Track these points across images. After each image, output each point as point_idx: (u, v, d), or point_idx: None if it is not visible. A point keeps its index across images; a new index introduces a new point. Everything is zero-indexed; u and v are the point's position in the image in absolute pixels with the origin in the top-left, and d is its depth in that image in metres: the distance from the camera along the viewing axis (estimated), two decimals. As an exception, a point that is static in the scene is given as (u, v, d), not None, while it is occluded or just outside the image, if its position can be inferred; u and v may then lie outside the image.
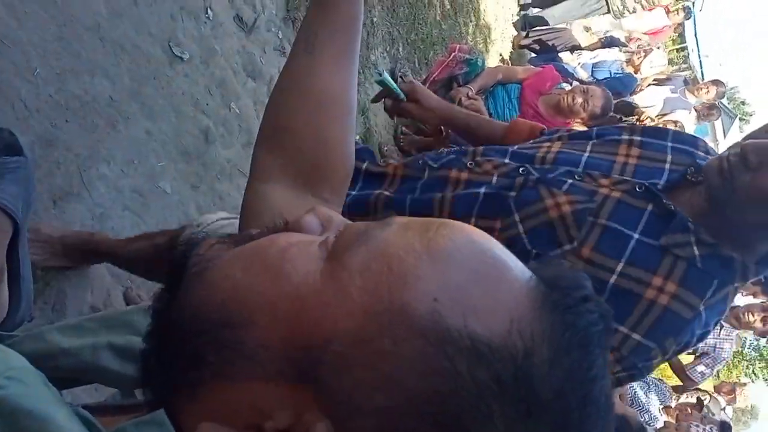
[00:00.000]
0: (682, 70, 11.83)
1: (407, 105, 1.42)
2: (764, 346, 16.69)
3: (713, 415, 4.25)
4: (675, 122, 5.06)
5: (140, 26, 1.94)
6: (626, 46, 6.17)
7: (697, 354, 3.56)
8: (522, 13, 7.19)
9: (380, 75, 1.36)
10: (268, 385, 0.36)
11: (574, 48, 5.66)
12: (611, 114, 3.23)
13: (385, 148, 3.43)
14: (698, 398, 4.01)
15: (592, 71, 5.01)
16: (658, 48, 6.95)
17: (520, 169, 1.17)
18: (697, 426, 3.39)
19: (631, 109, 5.02)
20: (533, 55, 5.85)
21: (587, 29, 6.53)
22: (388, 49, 3.81)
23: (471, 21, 5.54)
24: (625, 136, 1.21)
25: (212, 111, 2.21)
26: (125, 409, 0.46)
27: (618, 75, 5.06)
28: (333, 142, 0.70)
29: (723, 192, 1.01)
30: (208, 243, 0.44)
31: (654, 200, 1.07)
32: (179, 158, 2.03)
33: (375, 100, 1.49)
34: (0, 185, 1.00)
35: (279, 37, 2.75)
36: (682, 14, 6.85)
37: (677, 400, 4.24)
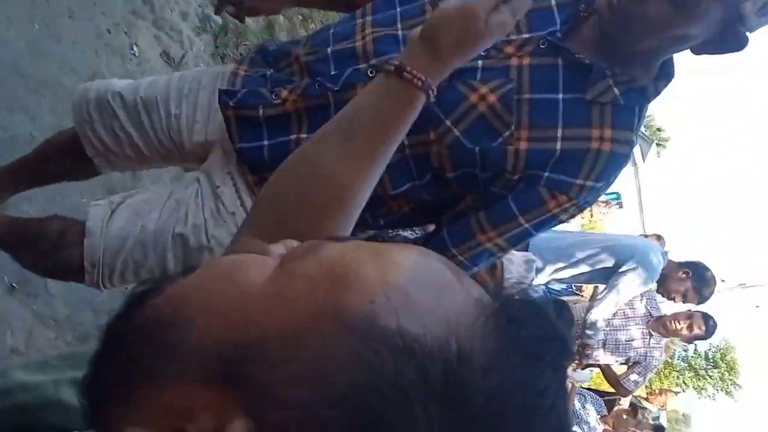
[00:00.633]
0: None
1: (251, 2, 1.41)
2: (692, 356, 17.39)
3: (647, 419, 4.40)
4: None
5: (63, 63, 1.90)
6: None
7: (630, 364, 3.68)
8: None
9: None
10: (197, 387, 0.36)
11: None
12: None
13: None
14: (632, 403, 4.14)
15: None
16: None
17: None
18: (634, 428, 3.49)
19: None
20: None
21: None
22: None
23: None
24: None
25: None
26: None
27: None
28: (328, 231, 0.68)
29: (616, 27, 1.09)
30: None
31: (561, 54, 1.13)
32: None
33: (218, 10, 1.48)
34: None
35: (205, 70, 2.73)
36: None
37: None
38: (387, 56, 1.17)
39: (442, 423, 0.32)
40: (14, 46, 1.73)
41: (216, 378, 0.36)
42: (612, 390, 3.99)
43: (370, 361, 0.33)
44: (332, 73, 1.20)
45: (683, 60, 1.18)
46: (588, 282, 3.39)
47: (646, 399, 4.95)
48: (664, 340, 3.71)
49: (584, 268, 3.13)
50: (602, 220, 5.37)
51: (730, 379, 17.87)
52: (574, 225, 5.43)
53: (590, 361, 3.68)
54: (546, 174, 1.14)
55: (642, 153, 16.62)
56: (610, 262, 3.10)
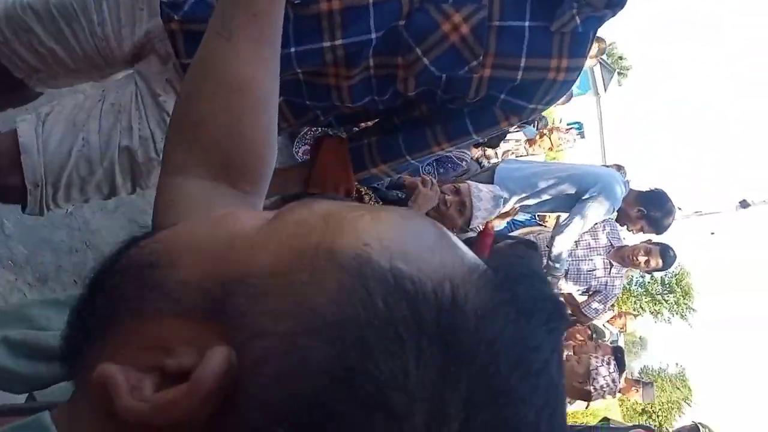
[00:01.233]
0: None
1: None
2: (649, 282, 18.09)
3: (605, 339, 4.57)
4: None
5: None
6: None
7: (590, 293, 3.78)
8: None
9: None
10: (178, 322, 0.35)
11: None
12: None
13: None
14: (589, 327, 4.28)
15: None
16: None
17: None
18: (597, 358, 3.61)
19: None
20: None
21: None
22: None
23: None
24: None
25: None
26: (4, 413, 0.43)
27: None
28: (250, 133, 0.65)
29: None
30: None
31: None
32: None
33: None
34: None
35: None
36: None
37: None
38: None
39: (432, 365, 0.31)
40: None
41: (198, 313, 0.34)
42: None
43: (361, 297, 0.32)
44: None
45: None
46: (552, 211, 3.44)
47: (607, 321, 5.12)
48: (625, 269, 3.81)
49: (547, 198, 3.17)
50: (564, 150, 5.40)
51: (685, 304, 18.70)
52: (537, 156, 5.47)
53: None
54: (503, 96, 1.21)
55: (604, 82, 16.68)
56: (572, 191, 3.14)
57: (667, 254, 3.60)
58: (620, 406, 4.92)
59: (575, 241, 3.56)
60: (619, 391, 4.07)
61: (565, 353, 4.00)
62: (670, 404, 17.54)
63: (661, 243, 3.65)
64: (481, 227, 2.60)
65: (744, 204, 8.50)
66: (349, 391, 0.30)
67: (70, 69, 1.26)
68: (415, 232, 0.37)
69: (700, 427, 3.54)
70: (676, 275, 18.15)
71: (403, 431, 0.29)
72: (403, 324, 0.31)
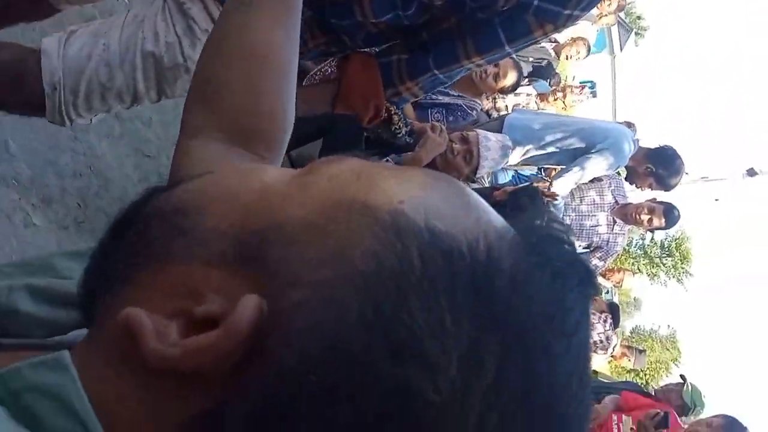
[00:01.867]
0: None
1: None
2: (648, 245, 18.17)
3: (600, 295, 4.61)
4: (583, 39, 5.14)
5: None
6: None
7: (591, 248, 3.79)
8: None
9: None
10: (207, 269, 0.34)
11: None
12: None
13: None
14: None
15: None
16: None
17: None
18: (594, 314, 3.65)
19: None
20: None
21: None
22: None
23: None
24: None
25: None
26: (25, 348, 0.42)
27: None
28: (268, 99, 0.66)
29: None
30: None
31: None
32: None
33: None
34: None
35: None
36: None
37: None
38: None
39: (467, 318, 0.31)
40: None
41: (229, 261, 0.34)
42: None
43: (397, 250, 0.32)
44: None
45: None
46: (557, 164, 3.40)
47: (603, 275, 5.15)
48: (627, 228, 3.81)
49: (554, 150, 3.13)
50: (575, 107, 5.34)
51: (683, 268, 18.83)
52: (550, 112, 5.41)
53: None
54: (536, 2, 1.16)
55: (620, 42, 16.34)
56: (581, 145, 3.10)
57: (670, 213, 3.59)
58: (609, 363, 5.00)
59: (580, 197, 3.54)
60: (612, 357, 4.14)
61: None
62: (658, 364, 17.88)
63: (665, 202, 3.63)
64: (486, 177, 2.58)
65: (751, 172, 8.46)
66: (384, 340, 0.30)
67: None
68: (448, 192, 0.37)
69: (686, 378, 3.62)
70: (676, 239, 18.21)
71: (437, 381, 0.29)
72: (439, 278, 0.31)
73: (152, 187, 0.42)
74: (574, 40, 5.12)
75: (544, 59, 4.84)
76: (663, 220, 3.59)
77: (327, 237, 0.33)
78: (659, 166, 3.37)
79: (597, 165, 3.09)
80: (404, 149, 2.01)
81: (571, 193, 3.52)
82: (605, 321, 3.66)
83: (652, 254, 18.68)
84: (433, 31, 1.30)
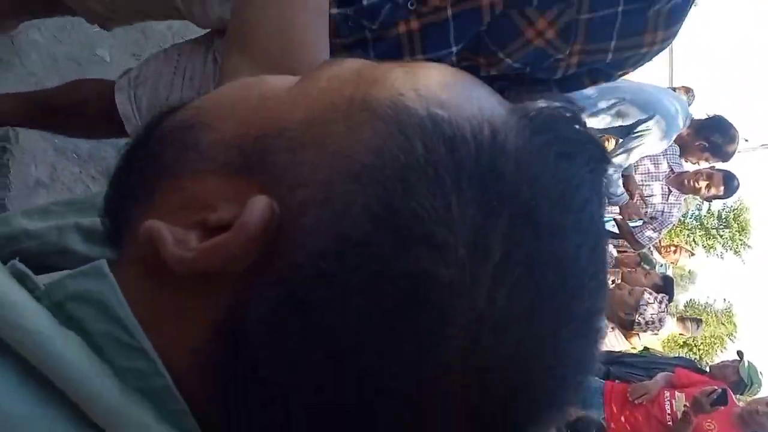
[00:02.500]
0: None
1: None
2: (705, 216, 17.61)
3: (653, 267, 4.50)
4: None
5: None
6: None
7: (646, 219, 3.69)
8: None
9: None
10: (216, 179, 0.35)
11: None
12: None
13: None
14: (640, 254, 4.21)
15: None
16: None
17: None
18: (651, 294, 3.57)
19: None
20: None
21: None
22: None
23: None
24: None
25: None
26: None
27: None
28: (301, 39, 0.66)
29: None
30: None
31: None
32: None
33: None
34: None
35: None
36: None
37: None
38: None
39: (473, 200, 0.31)
40: None
41: (237, 170, 0.35)
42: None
43: (398, 141, 0.32)
44: None
45: None
46: (604, 133, 3.31)
47: (659, 251, 5.02)
48: (683, 197, 3.69)
49: (606, 118, 3.05)
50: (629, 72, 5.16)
51: (741, 240, 18.21)
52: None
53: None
54: (591, 67, 1.16)
55: None
56: (631, 116, 3.01)
57: (730, 181, 3.47)
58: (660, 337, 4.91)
59: (634, 167, 3.45)
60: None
61: (616, 280, 3.97)
62: (713, 339, 17.45)
63: (724, 170, 3.50)
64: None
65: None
66: (390, 227, 0.30)
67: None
68: (450, 81, 0.36)
69: (743, 354, 3.51)
70: (734, 210, 17.59)
71: (445, 261, 0.30)
72: (443, 164, 0.31)
73: (163, 109, 0.44)
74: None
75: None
76: (722, 187, 3.47)
77: (327, 136, 0.34)
78: (713, 136, 3.25)
79: (642, 149, 3.00)
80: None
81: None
82: (660, 302, 3.57)
83: (708, 225, 18.12)
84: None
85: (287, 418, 0.31)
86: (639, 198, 3.43)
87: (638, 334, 3.69)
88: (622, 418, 3.16)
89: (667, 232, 4.20)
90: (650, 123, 2.96)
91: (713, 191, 3.51)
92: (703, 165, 3.49)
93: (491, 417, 0.31)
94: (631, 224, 3.70)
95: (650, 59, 1.19)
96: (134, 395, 0.31)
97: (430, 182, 0.31)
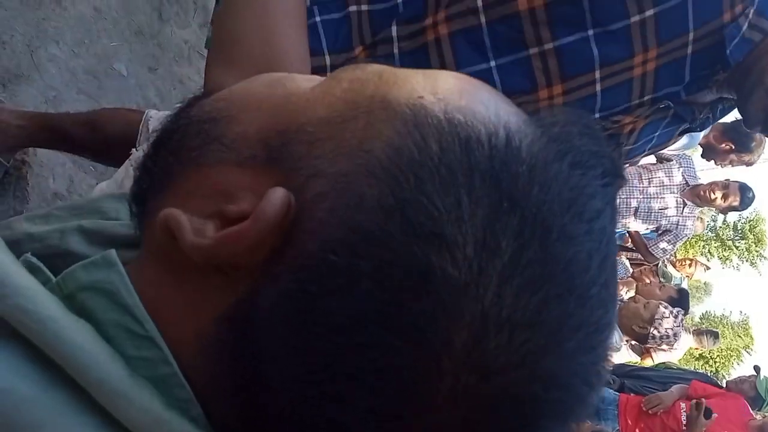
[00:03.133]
0: None
1: None
2: (720, 227, 17.44)
3: (671, 283, 4.45)
4: None
5: None
6: None
7: (660, 232, 3.67)
8: None
9: None
10: (237, 170, 0.36)
11: None
12: None
13: None
14: (656, 266, 4.17)
15: None
16: None
17: None
18: (666, 308, 3.53)
19: None
20: None
21: None
22: None
23: None
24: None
25: (165, -12, 2.07)
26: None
27: None
28: (285, 49, 0.67)
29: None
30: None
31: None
32: (133, 38, 1.92)
33: None
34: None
35: None
36: None
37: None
38: None
39: (485, 200, 0.31)
40: None
41: (257, 161, 0.36)
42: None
43: (415, 140, 0.33)
44: None
45: None
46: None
47: (674, 265, 4.97)
48: (698, 210, 3.66)
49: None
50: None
51: (757, 251, 18.01)
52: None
53: (618, 228, 3.68)
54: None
55: None
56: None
57: (745, 193, 3.44)
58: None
59: (648, 179, 3.43)
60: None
61: (631, 293, 3.93)
62: (729, 351, 17.23)
63: (739, 181, 3.48)
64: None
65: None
66: (402, 222, 0.30)
67: None
68: (469, 88, 0.37)
69: (759, 369, 3.47)
70: (750, 221, 17.42)
71: (454, 259, 0.30)
72: (457, 163, 0.32)
73: (190, 97, 0.44)
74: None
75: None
76: (738, 198, 3.44)
77: (346, 132, 0.34)
78: (738, 136, 3.23)
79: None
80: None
81: (639, 174, 3.41)
82: (676, 316, 3.53)
83: (724, 236, 17.95)
84: None
85: (292, 407, 0.32)
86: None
87: (651, 355, 3.65)
88: (637, 430, 3.12)
89: (682, 244, 4.16)
90: None
91: (729, 203, 3.48)
92: (726, 170, 3.46)
93: (489, 421, 0.31)
94: (645, 236, 3.67)
95: None
96: (143, 382, 0.32)
97: (443, 180, 0.31)
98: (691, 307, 4.53)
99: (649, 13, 0.97)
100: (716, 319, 18.89)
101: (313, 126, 0.36)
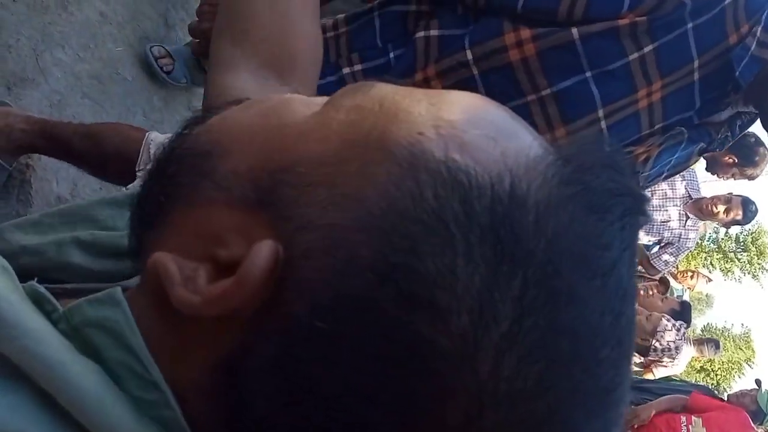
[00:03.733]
0: None
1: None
2: (722, 239, 17.41)
3: (673, 295, 4.43)
4: None
5: None
6: None
7: (662, 244, 3.66)
8: None
9: None
10: (228, 211, 0.34)
11: None
12: None
13: None
14: (662, 278, 4.15)
15: None
16: None
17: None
18: (669, 320, 3.52)
19: None
20: None
21: None
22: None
23: None
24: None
25: (172, -7, 2.08)
26: (83, 292, 0.45)
27: None
28: (298, 28, 0.64)
29: None
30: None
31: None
32: (138, 43, 1.92)
33: None
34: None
35: None
36: None
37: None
38: None
39: (483, 261, 0.28)
40: None
41: (250, 203, 0.34)
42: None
43: (410, 189, 0.30)
44: None
45: None
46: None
47: (675, 277, 4.96)
48: (701, 223, 3.66)
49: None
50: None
51: (759, 264, 17.96)
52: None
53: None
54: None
55: None
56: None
57: (748, 207, 3.44)
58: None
59: (650, 190, 3.42)
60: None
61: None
62: (730, 364, 17.16)
63: (742, 195, 3.48)
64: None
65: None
66: (392, 288, 0.28)
67: None
68: (477, 119, 0.33)
69: (761, 382, 3.45)
70: (752, 233, 17.38)
71: (447, 329, 0.28)
72: (453, 219, 0.29)
73: (188, 119, 0.42)
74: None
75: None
76: (740, 213, 3.44)
77: (340, 176, 0.32)
78: (741, 151, 3.23)
79: None
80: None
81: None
82: (678, 329, 3.52)
83: (726, 249, 17.90)
84: None
85: None
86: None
87: (653, 371, 3.63)
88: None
89: (684, 256, 4.15)
90: None
91: (732, 216, 3.48)
92: (729, 183, 3.47)
93: None
94: (646, 247, 3.67)
95: None
96: (150, 425, 0.32)
97: (438, 239, 0.29)
98: (692, 320, 4.51)
99: (648, 48, 0.94)
100: (718, 332, 18.82)
101: (304, 167, 0.33)
